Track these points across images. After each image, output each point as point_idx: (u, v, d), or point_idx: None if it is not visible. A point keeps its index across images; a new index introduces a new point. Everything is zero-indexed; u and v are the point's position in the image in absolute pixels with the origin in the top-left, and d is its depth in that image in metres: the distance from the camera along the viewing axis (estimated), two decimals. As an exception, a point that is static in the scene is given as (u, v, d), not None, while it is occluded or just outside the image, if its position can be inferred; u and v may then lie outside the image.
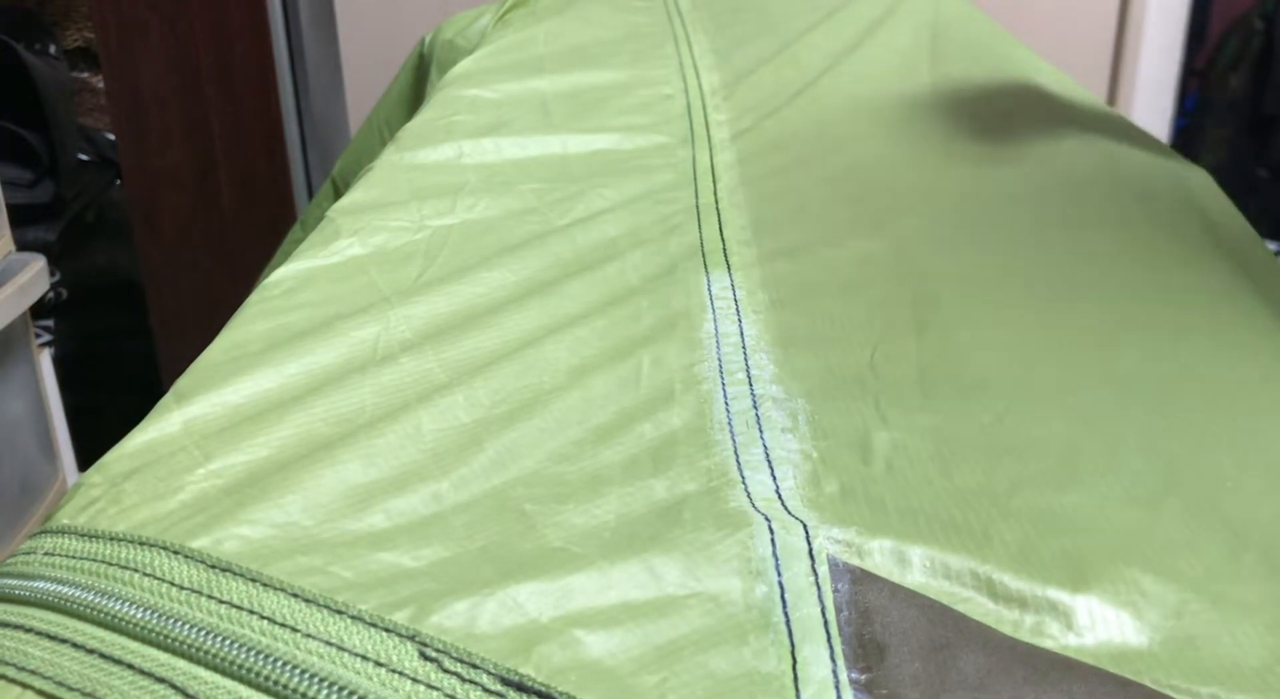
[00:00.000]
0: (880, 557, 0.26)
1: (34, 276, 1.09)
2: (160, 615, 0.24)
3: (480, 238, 0.44)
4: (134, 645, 0.23)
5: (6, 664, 0.23)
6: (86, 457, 1.29)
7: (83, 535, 0.26)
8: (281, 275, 0.41)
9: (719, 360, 0.35)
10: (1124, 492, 0.29)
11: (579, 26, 0.78)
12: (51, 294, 1.52)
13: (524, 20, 0.81)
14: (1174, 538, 0.27)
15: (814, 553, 0.26)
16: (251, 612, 0.23)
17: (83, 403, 1.38)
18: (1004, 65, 0.68)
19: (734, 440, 0.31)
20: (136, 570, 0.25)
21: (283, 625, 0.23)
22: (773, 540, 0.26)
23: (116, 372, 1.61)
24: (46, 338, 1.56)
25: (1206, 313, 0.37)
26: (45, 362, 1.24)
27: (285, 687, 0.22)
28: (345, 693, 0.22)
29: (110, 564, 0.25)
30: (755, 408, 0.33)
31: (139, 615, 0.24)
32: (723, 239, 0.44)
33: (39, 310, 1.44)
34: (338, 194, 0.83)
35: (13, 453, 1.12)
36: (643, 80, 0.67)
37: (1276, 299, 0.39)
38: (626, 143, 0.56)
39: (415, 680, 0.22)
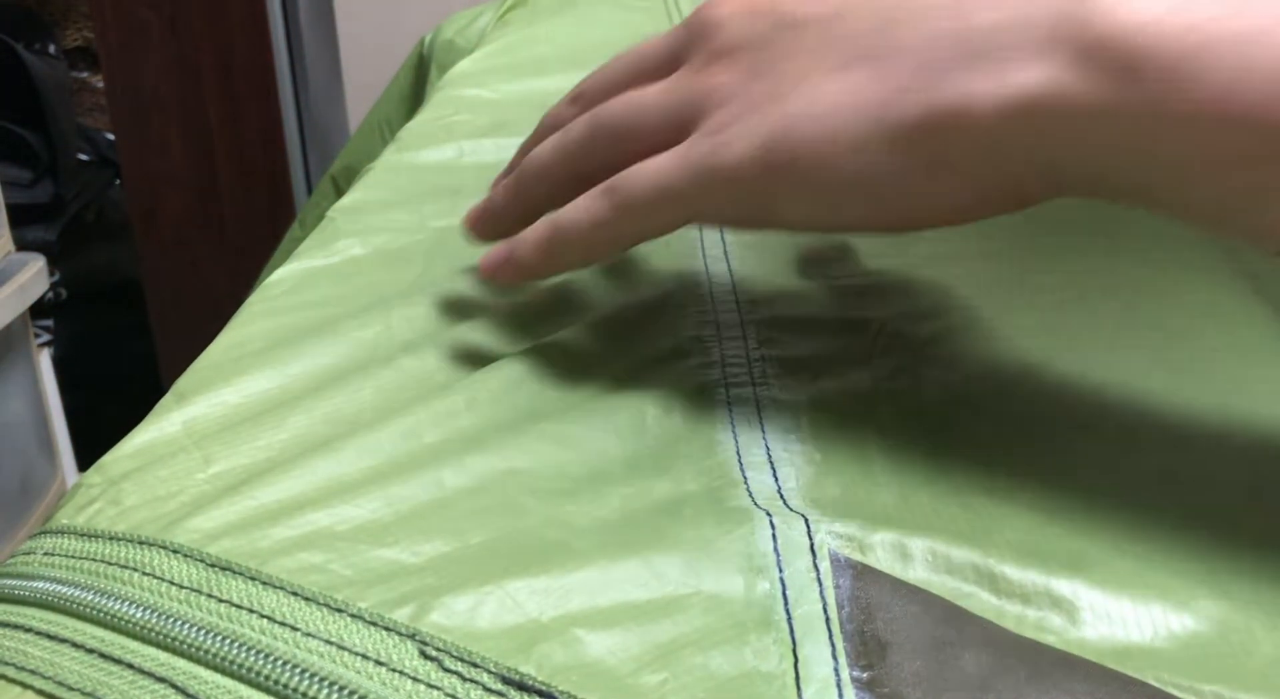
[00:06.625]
0: (882, 551, 0.26)
1: (33, 276, 1.10)
2: (160, 615, 0.24)
3: (480, 238, 0.44)
4: (133, 645, 0.23)
5: (6, 664, 0.23)
6: (86, 457, 1.29)
7: (82, 535, 0.26)
8: (282, 275, 0.41)
9: (722, 362, 0.35)
10: (1126, 490, 0.29)
11: (579, 26, 0.78)
12: (51, 294, 1.52)
13: (524, 20, 0.81)
14: (1176, 536, 0.27)
15: (815, 548, 0.26)
16: (251, 611, 0.23)
17: (82, 403, 1.38)
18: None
19: (736, 441, 0.31)
20: (136, 569, 0.25)
21: (282, 624, 0.23)
22: (774, 535, 0.26)
23: (116, 372, 1.62)
24: (46, 338, 1.56)
25: (1209, 313, 0.37)
26: (45, 362, 1.24)
27: (285, 686, 0.22)
28: (346, 692, 0.22)
29: (109, 564, 0.25)
30: (758, 408, 0.33)
31: (138, 615, 0.24)
32: (723, 238, 0.44)
33: (39, 310, 1.44)
34: (337, 192, 0.83)
35: (12, 453, 1.12)
36: (643, 80, 0.67)
37: (1277, 299, 0.39)
38: (627, 142, 0.56)
39: (416, 680, 0.22)
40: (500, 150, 0.55)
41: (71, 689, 0.22)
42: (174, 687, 0.22)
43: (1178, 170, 0.25)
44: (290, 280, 0.41)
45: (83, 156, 1.72)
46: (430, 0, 1.21)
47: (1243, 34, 0.23)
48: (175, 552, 0.25)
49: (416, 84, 0.87)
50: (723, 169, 0.30)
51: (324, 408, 0.32)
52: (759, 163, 0.29)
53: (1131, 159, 0.25)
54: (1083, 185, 0.27)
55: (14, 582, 0.25)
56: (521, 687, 0.22)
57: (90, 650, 0.23)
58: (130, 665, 0.23)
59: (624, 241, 0.32)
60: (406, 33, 0.96)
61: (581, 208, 0.32)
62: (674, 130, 0.32)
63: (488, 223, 0.37)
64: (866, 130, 0.28)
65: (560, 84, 0.67)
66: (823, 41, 0.30)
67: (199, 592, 0.24)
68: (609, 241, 0.32)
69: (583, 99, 0.37)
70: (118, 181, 1.71)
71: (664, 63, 0.34)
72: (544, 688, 0.22)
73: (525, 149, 0.39)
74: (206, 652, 0.23)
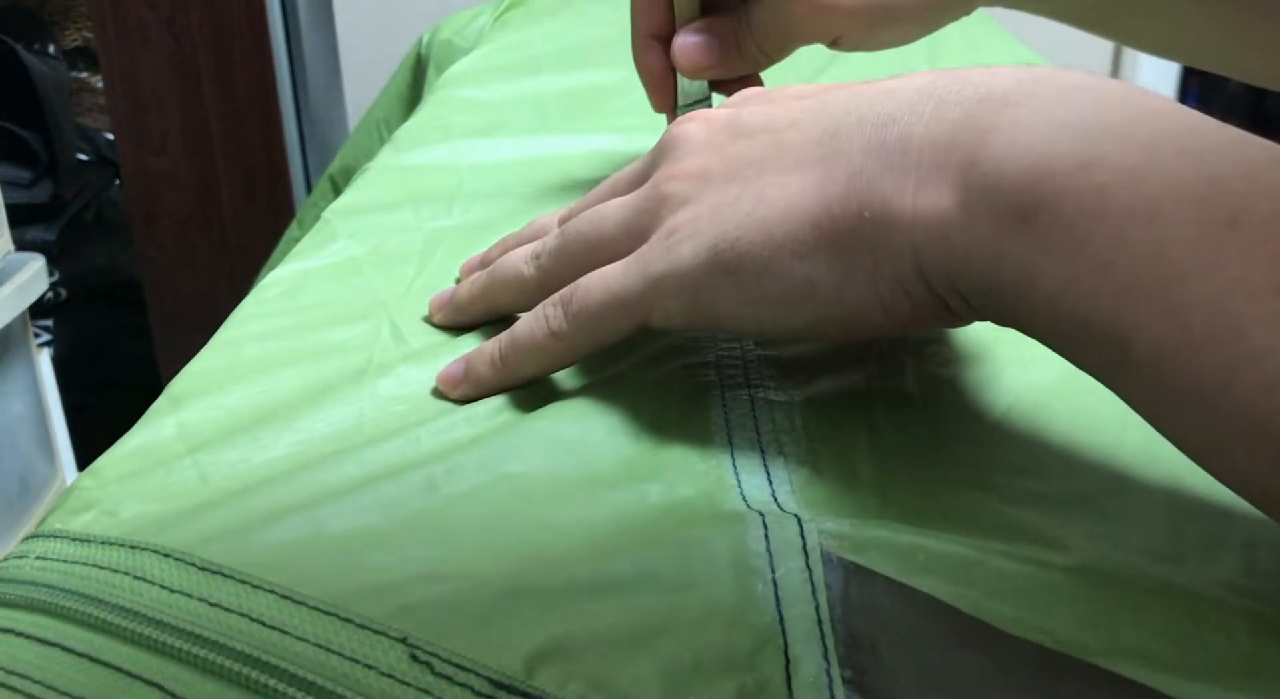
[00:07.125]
0: (875, 551, 0.26)
1: (33, 276, 1.10)
2: (150, 619, 0.24)
3: (477, 240, 0.44)
4: (124, 649, 0.23)
5: (-2, 668, 0.23)
6: (85, 457, 1.29)
7: (75, 539, 0.26)
8: (277, 277, 0.41)
9: (717, 363, 0.35)
10: (1121, 488, 0.29)
11: (576, 26, 0.78)
12: (50, 294, 1.52)
13: (521, 20, 0.81)
14: (1172, 535, 0.27)
15: (808, 548, 0.26)
16: (242, 615, 0.23)
17: (82, 403, 1.38)
18: (1003, 63, 0.67)
19: (731, 443, 0.31)
20: (127, 573, 0.25)
21: (273, 628, 0.23)
22: (766, 536, 0.26)
23: (116, 372, 1.62)
24: (46, 338, 1.56)
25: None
26: (44, 361, 1.24)
27: (275, 691, 0.22)
28: (335, 697, 0.22)
29: (101, 568, 0.25)
30: (753, 410, 0.33)
31: (129, 619, 0.24)
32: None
33: (38, 310, 1.44)
34: (336, 192, 0.83)
35: (12, 453, 1.12)
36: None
37: None
38: (624, 144, 0.56)
39: (405, 683, 0.22)
40: (497, 151, 0.55)
41: (61, 693, 0.22)
42: (164, 691, 0.22)
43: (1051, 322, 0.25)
44: (285, 282, 0.41)
45: (82, 156, 1.72)
46: (429, 0, 1.21)
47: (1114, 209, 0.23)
48: (166, 556, 0.25)
49: (414, 84, 0.87)
50: (671, 273, 0.30)
51: (319, 414, 0.32)
52: (706, 266, 0.30)
53: (1011, 298, 0.26)
54: (983, 312, 0.27)
55: (5, 586, 0.25)
56: (511, 690, 0.22)
57: (81, 655, 0.23)
58: (121, 670, 0.23)
59: (580, 350, 0.33)
60: (405, 33, 0.96)
61: (538, 319, 0.33)
62: (633, 239, 0.32)
63: (449, 313, 0.38)
64: (808, 237, 0.28)
65: (557, 84, 0.67)
66: (775, 149, 0.30)
67: (190, 596, 0.24)
68: (565, 352, 0.33)
69: (568, 215, 0.38)
70: (117, 182, 1.71)
71: (637, 180, 0.35)
72: (533, 691, 0.22)
73: (506, 245, 0.40)
74: (196, 656, 0.23)
